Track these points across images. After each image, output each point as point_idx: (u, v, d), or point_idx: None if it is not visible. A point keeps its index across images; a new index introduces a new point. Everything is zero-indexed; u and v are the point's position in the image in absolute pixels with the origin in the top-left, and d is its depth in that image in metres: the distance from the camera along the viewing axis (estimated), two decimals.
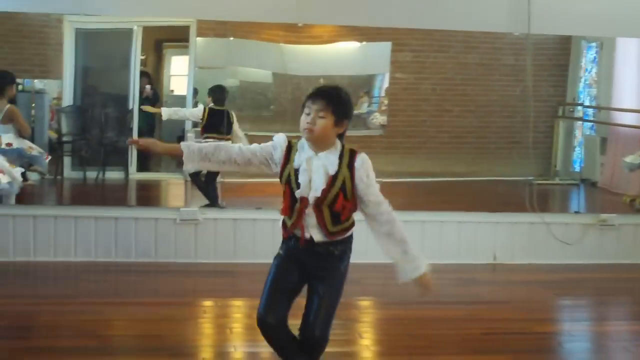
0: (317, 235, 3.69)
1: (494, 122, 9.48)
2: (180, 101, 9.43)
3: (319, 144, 3.60)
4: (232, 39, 9.46)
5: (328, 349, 4.49)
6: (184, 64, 9.56)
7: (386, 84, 9.51)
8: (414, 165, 9.26)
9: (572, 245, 6.86)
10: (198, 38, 8.78)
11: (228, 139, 7.57)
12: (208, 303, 5.61)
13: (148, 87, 9.56)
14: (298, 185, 3.59)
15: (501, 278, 6.49)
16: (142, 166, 8.53)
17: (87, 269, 6.25)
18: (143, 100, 9.16)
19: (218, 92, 7.89)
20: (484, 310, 5.45)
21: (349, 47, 9.60)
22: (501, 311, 5.45)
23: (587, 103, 9.41)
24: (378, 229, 3.79)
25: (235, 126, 7.76)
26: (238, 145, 3.73)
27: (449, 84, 9.45)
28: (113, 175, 8.12)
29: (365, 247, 6.59)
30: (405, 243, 3.79)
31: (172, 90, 10.06)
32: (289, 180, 3.62)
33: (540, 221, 6.81)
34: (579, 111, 9.52)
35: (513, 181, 8.24)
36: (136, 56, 8.37)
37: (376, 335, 5.10)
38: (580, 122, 9.39)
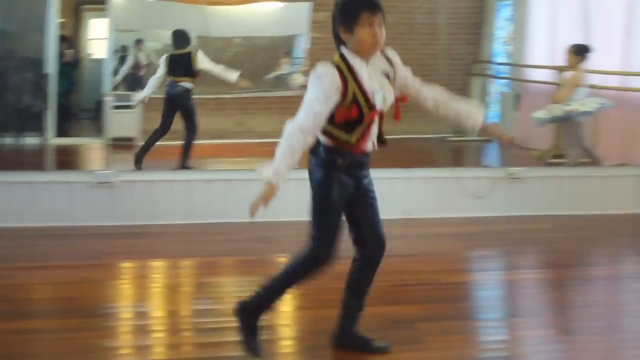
0: (373, 144, 3.81)
1: None
2: (98, 65, 9.39)
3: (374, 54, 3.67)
4: (151, 0, 9.42)
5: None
6: (103, 27, 9.49)
7: (307, 45, 9.58)
8: None
9: (482, 199, 7.06)
10: (117, 0, 8.74)
11: (191, 81, 7.76)
12: (125, 265, 5.67)
13: (71, 51, 9.49)
14: (368, 100, 3.60)
15: (413, 232, 6.64)
16: (61, 131, 8.51)
17: (0, 235, 6.20)
18: (64, 65, 9.11)
19: (177, 37, 7.99)
20: (395, 263, 5.53)
21: (269, 7, 9.65)
22: (412, 264, 5.60)
23: (503, 61, 9.63)
24: (432, 97, 3.97)
25: (203, 64, 7.85)
26: (307, 128, 3.57)
27: None
28: (31, 140, 8.08)
29: (281, 205, 6.75)
30: (459, 103, 3.97)
31: (91, 54, 10.01)
32: (355, 99, 3.59)
33: (451, 176, 6.97)
34: (493, 69, 9.75)
35: (428, 138, 8.43)
36: (53, 19, 8.30)
37: (294, 290, 5.19)
38: (494, 80, 9.62)
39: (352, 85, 3.59)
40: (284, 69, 9.66)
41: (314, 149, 3.77)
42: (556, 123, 8.12)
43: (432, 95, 3.95)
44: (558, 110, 7.71)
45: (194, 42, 8.86)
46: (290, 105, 8.37)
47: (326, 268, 3.88)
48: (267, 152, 8.18)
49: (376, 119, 3.71)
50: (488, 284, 5.41)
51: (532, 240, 6.49)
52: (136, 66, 9.25)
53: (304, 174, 6.81)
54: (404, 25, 9.58)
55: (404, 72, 3.85)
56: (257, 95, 8.14)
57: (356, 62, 3.62)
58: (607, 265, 5.94)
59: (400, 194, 6.97)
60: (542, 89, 8.99)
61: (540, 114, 7.91)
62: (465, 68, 9.57)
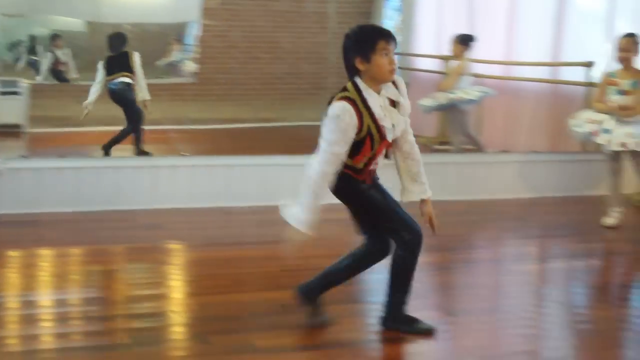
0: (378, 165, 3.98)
1: (301, 69, 9.70)
2: None
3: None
4: None
5: (138, 292, 4.65)
6: None
7: (198, 32, 9.53)
8: (224, 111, 9.38)
9: None
10: None
11: (129, 76, 7.89)
12: (12, 253, 5.56)
13: None
14: (380, 131, 3.77)
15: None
16: None
17: None
18: None
19: (113, 41, 8.12)
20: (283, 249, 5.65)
21: None
22: (300, 249, 5.66)
23: None
24: (401, 147, 4.02)
25: (137, 66, 7.94)
26: (328, 171, 3.82)
27: (259, 31, 9.58)
28: None
29: (171, 191, 6.76)
30: (421, 164, 4.05)
31: None
32: (370, 132, 3.77)
33: None
34: None
35: (319, 126, 8.50)
36: None
37: (184, 277, 5.23)
38: None
39: (367, 120, 3.77)
40: (174, 55, 9.59)
41: (339, 180, 3.94)
42: (442, 111, 8.33)
43: (408, 148, 4.05)
44: (443, 98, 7.93)
45: (83, 27, 8.75)
46: (181, 92, 8.40)
47: (421, 244, 4.03)
48: (158, 139, 8.18)
49: (383, 150, 3.91)
50: (375, 267, 5.50)
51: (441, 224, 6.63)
52: (56, 62, 9.05)
53: (195, 161, 6.83)
54: (294, 14, 9.65)
55: (407, 109, 3.96)
56: (148, 82, 8.07)
57: (370, 95, 3.78)
58: (489, 248, 6.15)
59: (289, 180, 7.00)
60: (430, 78, 9.19)
61: (427, 101, 8.11)
62: None
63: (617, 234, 6.42)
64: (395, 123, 3.86)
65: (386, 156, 4.01)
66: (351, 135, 3.74)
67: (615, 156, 6.54)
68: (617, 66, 6.61)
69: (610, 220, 6.56)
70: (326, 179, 3.81)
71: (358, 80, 3.80)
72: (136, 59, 7.95)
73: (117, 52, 8.01)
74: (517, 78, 8.61)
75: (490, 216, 6.95)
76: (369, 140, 3.80)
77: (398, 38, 10.39)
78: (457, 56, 7.95)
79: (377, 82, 3.79)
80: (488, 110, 8.43)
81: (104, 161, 7.10)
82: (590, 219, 6.73)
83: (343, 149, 3.75)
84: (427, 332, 4.11)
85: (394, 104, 3.87)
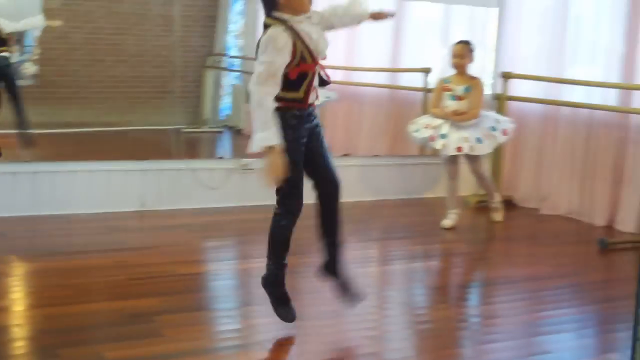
0: (316, 94, 4.13)
1: (146, 72, 9.59)
2: None
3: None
4: None
5: None
6: None
7: (38, 33, 9.28)
8: (67, 115, 9.17)
9: (216, 190, 7.23)
10: None
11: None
12: None
13: None
14: (312, 55, 3.96)
15: (149, 224, 6.68)
16: None
17: None
18: None
19: None
20: (130, 257, 5.62)
21: None
22: (147, 256, 5.65)
23: (234, 54, 9.83)
24: (335, 17, 4.25)
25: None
26: (269, 92, 3.88)
27: (102, 33, 9.41)
28: None
29: (11, 198, 6.57)
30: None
31: None
32: (303, 57, 3.94)
33: (186, 167, 7.08)
34: (227, 61, 9.93)
35: (164, 130, 8.46)
36: None
37: (25, 288, 5.11)
38: (227, 72, 9.80)
39: (299, 45, 3.93)
40: (13, 57, 9.30)
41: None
42: None
43: (330, 12, 4.26)
44: None
45: None
46: (24, 95, 8.14)
47: (297, 219, 4.25)
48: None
49: (317, 69, 4.07)
50: (223, 274, 5.57)
51: (265, 230, 6.65)
52: None
53: (36, 167, 6.66)
54: (138, 16, 9.53)
55: (320, 15, 4.16)
56: None
57: (297, 21, 3.94)
58: None
59: (135, 186, 6.98)
60: None
61: None
62: (199, 60, 9.66)
63: (454, 235, 6.71)
64: (322, 43, 4.06)
65: (323, 83, 4.20)
66: (286, 58, 3.88)
67: (452, 159, 6.83)
68: (451, 72, 6.91)
69: (448, 222, 6.84)
70: (268, 99, 3.89)
71: (278, 14, 3.96)
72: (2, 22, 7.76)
73: None
74: (358, 83, 8.83)
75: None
76: (302, 64, 3.95)
77: (241, 42, 10.45)
78: None
79: (296, 13, 3.96)
80: (330, 115, 8.60)
81: None
82: (429, 221, 7.00)
83: (278, 69, 3.87)
84: (285, 318, 4.30)
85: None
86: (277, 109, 3.98)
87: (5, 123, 7.87)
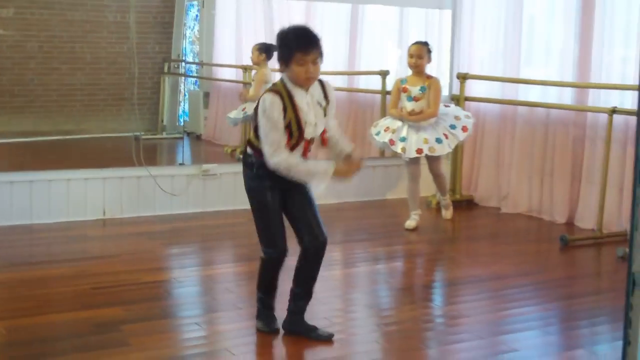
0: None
1: (102, 79, 9.54)
2: None
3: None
4: None
5: None
6: None
7: None
8: (24, 124, 9.08)
9: (178, 196, 7.19)
10: None
11: None
12: None
13: None
14: (300, 127, 3.98)
15: (111, 232, 6.64)
16: None
17: None
18: None
19: None
20: (93, 266, 5.58)
21: None
22: (111, 265, 5.61)
23: (190, 59, 9.80)
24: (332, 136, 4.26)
25: None
26: (284, 151, 3.98)
27: (56, 42, 9.34)
28: None
29: None
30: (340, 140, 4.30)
31: None
32: (289, 126, 3.97)
33: (147, 174, 7.04)
34: (183, 67, 9.89)
35: (122, 137, 8.41)
36: None
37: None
38: (185, 78, 9.77)
39: (290, 113, 3.96)
40: None
41: (246, 160, 4.20)
42: (247, 122, 8.40)
43: (334, 133, 4.29)
44: (251, 108, 7.95)
45: None
46: None
47: (283, 260, 4.28)
48: None
49: (306, 145, 4.11)
50: (188, 280, 5.53)
51: (228, 235, 6.72)
52: None
53: (11, 177, 6.55)
54: (93, 24, 9.47)
55: (332, 110, 4.19)
56: None
57: (296, 91, 3.99)
58: (296, 254, 6.28)
59: (96, 195, 6.93)
60: (229, 87, 9.28)
61: (234, 114, 8.18)
62: (156, 67, 9.62)
63: (417, 235, 6.75)
64: (318, 122, 4.07)
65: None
66: (281, 122, 3.95)
67: (413, 161, 6.86)
68: (408, 73, 6.96)
69: (411, 222, 6.87)
70: (290, 159, 4.00)
71: (284, 77, 4.03)
72: None
73: None
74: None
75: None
76: (287, 133, 3.98)
77: (196, 48, 10.43)
78: (257, 64, 8.06)
79: (298, 85, 4.01)
80: None
81: None
82: (391, 222, 7.04)
83: (279, 134, 3.95)
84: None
85: (321, 105, 4.10)
86: (256, 159, 4.10)
87: None
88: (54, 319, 4.55)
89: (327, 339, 4.28)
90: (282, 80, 4.06)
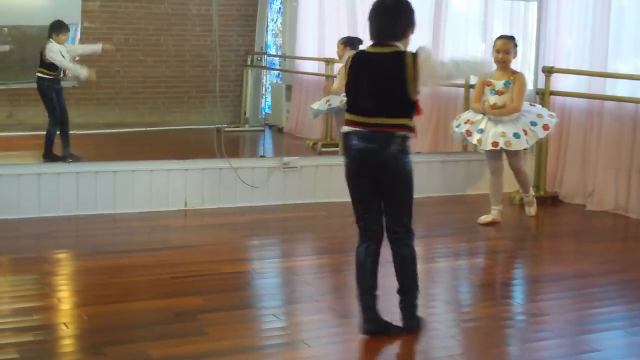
0: None
1: (186, 72, 9.66)
2: None
3: None
4: None
5: (26, 304, 4.53)
6: None
7: (79, 35, 9.37)
8: (109, 116, 9.27)
9: (258, 188, 7.22)
10: None
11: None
12: None
13: None
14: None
15: (192, 223, 6.71)
16: None
17: None
18: None
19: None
20: (174, 255, 5.64)
21: None
22: (191, 255, 5.66)
23: (273, 52, 9.85)
24: None
25: (49, 56, 7.95)
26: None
27: (142, 34, 9.50)
28: None
29: (56, 198, 6.63)
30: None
31: None
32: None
33: (228, 166, 7.09)
34: (266, 60, 9.95)
35: (205, 129, 8.49)
36: None
37: (71, 287, 5.14)
38: (267, 71, 9.82)
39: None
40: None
41: (391, 141, 4.02)
42: (331, 113, 8.40)
43: None
44: (335, 101, 7.95)
45: None
46: (66, 96, 8.22)
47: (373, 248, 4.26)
48: (42, 144, 8.00)
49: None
50: (267, 272, 5.56)
51: (308, 228, 6.73)
52: None
53: (80, 168, 6.71)
54: (177, 17, 9.60)
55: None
56: (28, 86, 7.91)
57: None
58: None
59: (178, 186, 7.01)
60: (312, 80, 9.28)
61: (317, 105, 8.17)
62: (239, 59, 9.71)
63: (499, 232, 6.64)
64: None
65: None
66: None
67: (495, 155, 6.75)
68: (494, 67, 6.84)
69: (486, 217, 6.76)
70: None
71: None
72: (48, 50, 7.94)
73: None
74: None
75: None
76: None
77: (279, 41, 10.50)
78: (342, 58, 8.03)
79: None
80: None
81: None
82: (473, 218, 6.93)
83: None
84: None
85: None
86: (404, 136, 4.05)
87: (45, 125, 7.96)
88: (134, 307, 4.61)
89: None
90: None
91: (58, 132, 7.86)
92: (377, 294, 4.24)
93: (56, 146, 7.83)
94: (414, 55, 4.00)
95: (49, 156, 7.72)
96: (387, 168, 4.07)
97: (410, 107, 4.05)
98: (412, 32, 4.10)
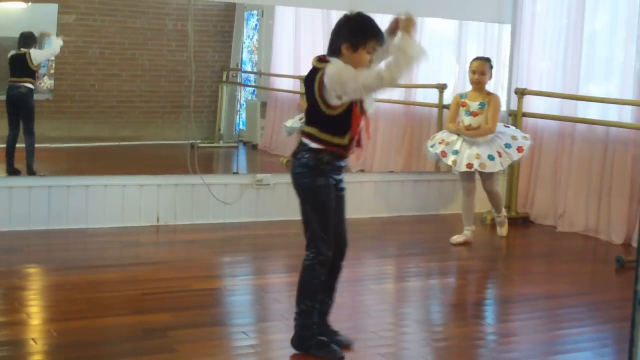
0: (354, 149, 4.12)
1: (161, 87, 9.62)
2: None
3: None
4: None
5: None
6: None
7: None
8: (83, 130, 9.20)
9: (231, 205, 7.21)
10: None
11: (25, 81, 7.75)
12: None
13: None
14: (361, 104, 3.98)
15: (164, 239, 6.69)
16: None
17: None
18: None
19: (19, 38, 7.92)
20: (145, 271, 5.62)
21: (14, 7, 9.28)
22: (162, 271, 5.64)
23: (249, 69, 9.85)
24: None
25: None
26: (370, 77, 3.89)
27: (117, 48, 9.45)
28: None
29: (27, 212, 6.58)
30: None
31: None
32: (350, 105, 3.95)
33: (201, 182, 7.08)
34: (241, 76, 9.94)
35: (180, 145, 8.46)
36: None
37: (41, 302, 5.09)
38: (242, 87, 9.82)
39: None
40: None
41: (298, 155, 4.07)
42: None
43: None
44: None
45: None
46: (39, 109, 8.17)
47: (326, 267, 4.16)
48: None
49: (362, 123, 4.06)
50: (238, 289, 5.54)
51: (280, 245, 6.71)
52: None
53: (52, 182, 6.67)
54: (154, 31, 9.56)
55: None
56: None
57: None
58: (349, 267, 6.23)
59: (150, 201, 6.98)
60: (287, 97, 9.29)
61: (290, 122, 8.17)
62: (214, 75, 9.68)
63: (471, 252, 6.67)
64: (371, 100, 4.06)
65: (358, 145, 4.13)
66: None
67: (468, 176, 6.79)
68: (469, 88, 6.89)
69: (459, 237, 6.80)
70: (362, 74, 3.89)
71: (338, 60, 3.96)
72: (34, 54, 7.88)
73: (18, 51, 7.84)
74: (373, 99, 8.79)
75: (350, 235, 7.05)
76: (355, 109, 3.97)
77: (254, 58, 10.49)
78: None
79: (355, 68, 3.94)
80: None
81: None
82: (445, 237, 6.95)
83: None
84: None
85: None
86: (314, 150, 4.02)
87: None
88: (104, 323, 4.58)
89: (346, 345, 4.25)
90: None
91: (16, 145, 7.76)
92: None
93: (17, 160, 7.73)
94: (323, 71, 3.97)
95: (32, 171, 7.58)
96: (292, 179, 4.17)
97: (321, 119, 4.00)
98: (349, 48, 3.93)
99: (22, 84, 7.73)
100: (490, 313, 5.36)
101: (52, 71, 9.19)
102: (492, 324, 5.06)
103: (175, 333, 4.38)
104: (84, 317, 4.64)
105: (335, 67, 3.91)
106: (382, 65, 3.97)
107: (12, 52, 7.80)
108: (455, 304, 5.46)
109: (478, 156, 6.66)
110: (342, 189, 4.22)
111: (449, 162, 6.71)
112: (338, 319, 4.70)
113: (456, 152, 6.70)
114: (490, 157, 6.68)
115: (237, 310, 5.14)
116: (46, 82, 9.25)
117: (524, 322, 4.97)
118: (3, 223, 6.50)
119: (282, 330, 4.48)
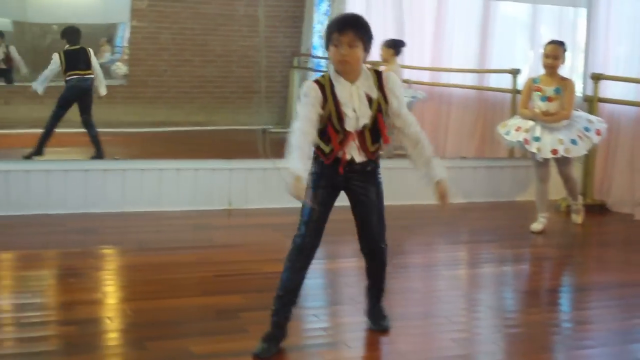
0: (358, 157, 3.94)
1: (233, 72, 9.68)
2: None
3: (352, 73, 3.82)
4: None
5: (72, 297, 4.58)
6: None
7: (128, 33, 9.44)
8: (156, 115, 9.30)
9: None
10: None
11: (90, 74, 7.91)
12: None
13: None
14: (341, 120, 3.81)
15: (236, 222, 6.74)
16: None
17: None
18: None
19: (69, 34, 8.02)
20: (217, 254, 5.67)
21: None
22: (234, 254, 5.68)
23: (319, 54, 9.84)
24: (407, 140, 4.01)
25: (94, 61, 8.00)
26: (303, 129, 3.79)
27: (189, 34, 9.53)
28: None
29: (102, 195, 6.70)
30: (430, 148, 4.02)
31: None
32: (330, 117, 3.82)
33: (273, 167, 7.09)
34: (312, 62, 9.94)
35: (251, 130, 8.51)
36: None
37: (116, 282, 5.18)
38: (313, 72, 9.82)
39: (330, 105, 3.82)
40: (105, 57, 9.48)
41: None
42: None
43: (414, 138, 4.02)
44: None
45: (10, 26, 8.61)
46: (111, 95, 8.30)
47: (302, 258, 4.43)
48: (89, 142, 8.05)
49: (353, 138, 3.89)
50: (309, 272, 5.51)
51: (352, 230, 6.67)
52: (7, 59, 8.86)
53: (126, 165, 6.76)
54: (224, 17, 9.62)
55: (396, 103, 3.94)
56: None
57: (339, 82, 3.84)
58: (421, 253, 6.24)
59: (222, 185, 7.03)
60: None
61: None
62: (285, 61, 9.70)
63: (545, 239, 6.57)
64: (360, 114, 3.86)
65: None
66: (316, 105, 3.80)
67: (543, 162, 6.67)
68: (541, 72, 6.77)
69: (538, 225, 6.70)
70: (295, 134, 3.82)
71: (330, 68, 3.92)
72: (92, 54, 7.99)
73: (73, 45, 7.96)
74: (445, 84, 8.74)
75: (420, 222, 7.03)
76: (330, 127, 3.85)
77: (323, 42, 10.46)
78: (386, 61, 8.01)
79: (340, 73, 3.85)
80: (417, 116, 8.47)
81: (34, 164, 6.98)
82: (518, 224, 6.87)
83: (309, 111, 3.79)
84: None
85: (370, 98, 3.88)
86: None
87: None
88: (177, 303, 4.64)
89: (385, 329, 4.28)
90: (328, 71, 3.93)
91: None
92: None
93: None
94: None
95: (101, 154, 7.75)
96: None
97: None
98: (327, 50, 3.86)
99: (89, 76, 7.90)
100: (564, 300, 5.28)
101: (126, 57, 9.32)
102: (566, 311, 4.98)
103: (247, 314, 4.41)
104: (157, 298, 4.70)
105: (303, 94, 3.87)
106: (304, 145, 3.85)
107: (69, 47, 7.94)
108: (529, 291, 5.38)
109: (561, 141, 6.53)
110: (362, 194, 4.18)
111: (534, 150, 6.56)
112: (409, 303, 4.70)
113: (538, 139, 6.57)
114: (573, 142, 6.55)
115: (308, 293, 5.12)
116: (121, 68, 9.38)
117: (599, 310, 4.89)
118: (78, 205, 6.62)
119: (353, 314, 4.48)
